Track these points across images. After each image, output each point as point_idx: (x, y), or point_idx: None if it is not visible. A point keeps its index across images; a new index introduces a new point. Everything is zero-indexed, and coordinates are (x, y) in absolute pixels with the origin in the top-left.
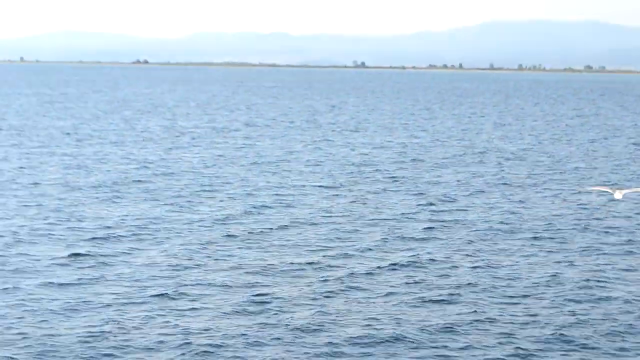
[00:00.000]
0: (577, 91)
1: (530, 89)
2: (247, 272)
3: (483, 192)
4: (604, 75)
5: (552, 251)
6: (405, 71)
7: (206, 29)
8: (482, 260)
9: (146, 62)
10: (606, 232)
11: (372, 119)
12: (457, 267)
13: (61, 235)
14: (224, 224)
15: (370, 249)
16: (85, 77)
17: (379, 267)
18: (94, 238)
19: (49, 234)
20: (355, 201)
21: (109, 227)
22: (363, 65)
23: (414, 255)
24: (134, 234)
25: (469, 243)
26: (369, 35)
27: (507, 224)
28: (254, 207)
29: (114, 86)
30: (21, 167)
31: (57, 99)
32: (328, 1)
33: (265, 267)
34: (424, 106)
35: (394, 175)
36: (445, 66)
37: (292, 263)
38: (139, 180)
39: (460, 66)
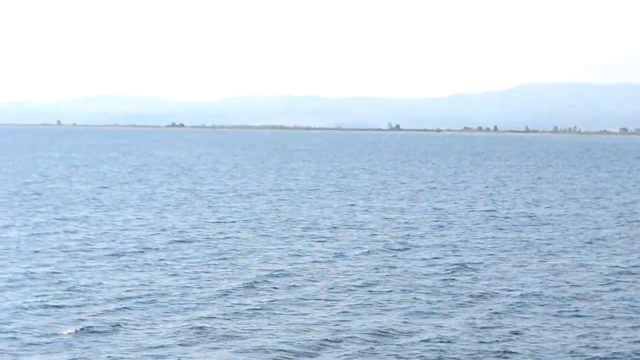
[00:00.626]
0: (612, 153)
1: (567, 151)
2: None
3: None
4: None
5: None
6: (440, 134)
7: (241, 92)
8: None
9: (182, 125)
10: None
11: (398, 182)
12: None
13: (66, 305)
14: (233, 295)
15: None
16: (119, 141)
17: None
18: (103, 310)
19: (54, 305)
20: (377, 267)
21: (117, 298)
22: (397, 127)
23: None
24: (142, 303)
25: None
26: (404, 97)
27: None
28: (265, 277)
29: (144, 150)
30: (29, 234)
31: (85, 163)
32: (362, 64)
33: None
34: (453, 170)
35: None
36: (479, 128)
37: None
38: (148, 248)
39: (495, 129)
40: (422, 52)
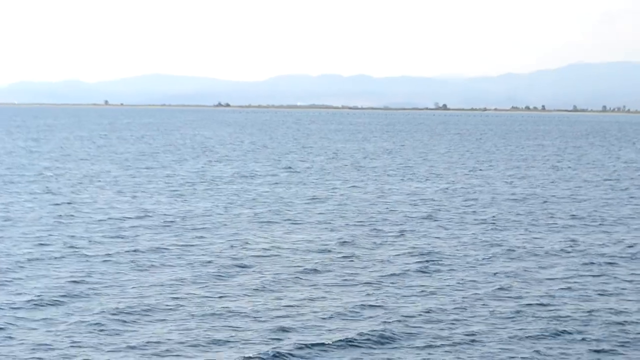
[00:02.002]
0: None
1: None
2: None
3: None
4: None
5: None
6: (486, 113)
7: (289, 71)
8: None
9: (228, 105)
10: None
11: (423, 163)
12: None
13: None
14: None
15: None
16: (161, 120)
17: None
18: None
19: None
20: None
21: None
22: (445, 107)
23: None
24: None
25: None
26: (451, 77)
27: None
28: (236, 263)
29: (177, 129)
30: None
31: (111, 143)
32: (410, 43)
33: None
34: (485, 148)
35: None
36: (527, 108)
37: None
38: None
39: (543, 108)
40: (473, 32)
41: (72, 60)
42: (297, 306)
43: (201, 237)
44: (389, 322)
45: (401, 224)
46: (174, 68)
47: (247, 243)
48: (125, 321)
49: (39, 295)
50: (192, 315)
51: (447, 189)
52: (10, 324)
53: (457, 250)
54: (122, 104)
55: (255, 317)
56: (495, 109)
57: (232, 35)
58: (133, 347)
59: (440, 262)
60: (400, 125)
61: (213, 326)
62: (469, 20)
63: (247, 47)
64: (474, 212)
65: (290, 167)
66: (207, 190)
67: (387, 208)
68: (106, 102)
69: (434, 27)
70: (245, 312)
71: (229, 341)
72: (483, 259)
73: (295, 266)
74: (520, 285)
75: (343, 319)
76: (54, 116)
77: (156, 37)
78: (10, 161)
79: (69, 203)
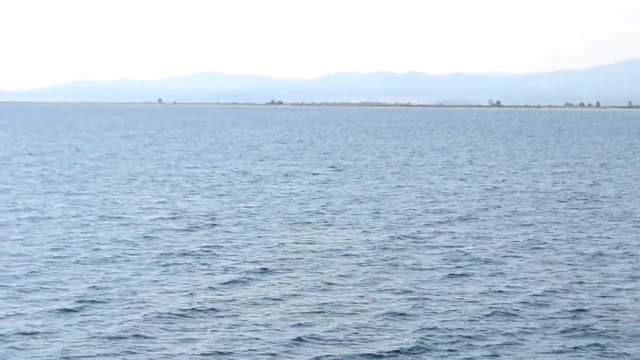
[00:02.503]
0: None
1: None
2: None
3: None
4: None
5: None
6: (540, 110)
7: (341, 69)
8: None
9: (280, 102)
10: None
11: (470, 161)
12: None
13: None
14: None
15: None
16: (211, 118)
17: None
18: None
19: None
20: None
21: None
22: (498, 104)
23: None
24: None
25: None
26: (505, 73)
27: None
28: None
29: (225, 127)
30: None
31: (159, 141)
32: (463, 40)
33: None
34: (529, 147)
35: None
36: (581, 104)
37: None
38: (150, 236)
39: (598, 104)
40: (527, 28)
41: (126, 59)
42: (328, 312)
43: (233, 238)
44: (425, 331)
45: (441, 225)
46: (226, 66)
47: (282, 244)
48: (156, 327)
49: (68, 299)
50: (224, 319)
51: (492, 187)
52: (38, 329)
53: (498, 252)
54: (174, 102)
55: (276, 326)
56: (549, 106)
57: (285, 33)
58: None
59: (479, 266)
60: (452, 123)
61: (245, 331)
62: (522, 17)
63: (299, 45)
64: (516, 211)
65: (334, 166)
66: (246, 190)
67: (428, 208)
68: (159, 100)
69: (488, 24)
70: (272, 318)
71: (250, 348)
72: (527, 261)
73: (329, 269)
74: (568, 290)
75: (376, 328)
76: (106, 115)
77: (210, 35)
78: (53, 160)
79: (102, 203)
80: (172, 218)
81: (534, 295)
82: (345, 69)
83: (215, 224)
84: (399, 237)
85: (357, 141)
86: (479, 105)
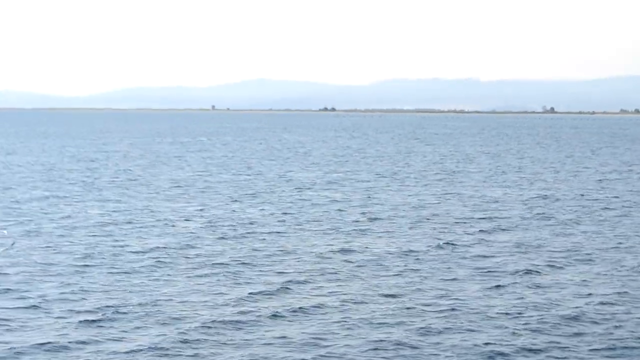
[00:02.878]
0: None
1: None
2: None
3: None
4: None
5: None
6: (594, 116)
7: (394, 75)
8: None
9: (333, 109)
10: None
11: (517, 168)
12: None
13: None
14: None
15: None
16: (262, 125)
17: None
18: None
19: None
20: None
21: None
22: (552, 110)
23: None
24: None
25: None
26: (559, 80)
27: None
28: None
29: (275, 133)
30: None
31: (207, 147)
32: (518, 46)
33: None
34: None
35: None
36: (637, 111)
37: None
38: (188, 245)
39: None
40: (582, 35)
41: (180, 66)
42: (355, 325)
43: (265, 247)
44: (461, 347)
45: (483, 234)
46: (280, 73)
47: (314, 253)
48: (185, 340)
49: (91, 310)
50: (251, 332)
51: (537, 195)
52: (70, 338)
53: (538, 263)
54: (228, 109)
55: (303, 340)
56: (604, 112)
57: (339, 40)
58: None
59: (518, 277)
60: (504, 129)
61: (269, 346)
62: (577, 23)
63: (353, 51)
64: (560, 220)
65: (380, 173)
66: (288, 197)
67: (472, 216)
68: (213, 107)
69: (543, 30)
70: (303, 331)
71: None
72: (567, 273)
73: (362, 280)
74: (612, 303)
75: (410, 344)
76: (159, 121)
77: (262, 42)
78: (99, 166)
79: (140, 211)
80: (208, 226)
81: (572, 308)
82: (398, 75)
83: (249, 233)
84: (438, 246)
85: (407, 148)
86: (533, 112)
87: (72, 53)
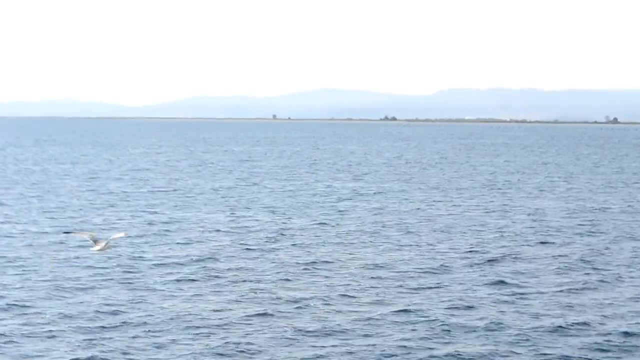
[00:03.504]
0: None
1: None
2: None
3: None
4: None
5: None
6: None
7: (457, 85)
8: None
9: (394, 118)
10: None
11: (564, 179)
12: None
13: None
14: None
15: None
16: (319, 134)
17: None
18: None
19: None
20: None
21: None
22: (615, 120)
23: None
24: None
25: None
26: (623, 89)
27: None
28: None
29: (328, 144)
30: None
31: (252, 157)
32: (580, 56)
33: None
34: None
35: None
36: None
37: None
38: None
39: None
40: None
41: (242, 76)
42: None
43: (287, 261)
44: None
45: (508, 248)
46: (341, 82)
47: (336, 264)
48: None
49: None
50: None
51: (583, 208)
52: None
53: (576, 281)
54: (289, 118)
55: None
56: None
57: (401, 49)
58: None
59: (530, 297)
60: (563, 140)
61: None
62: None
63: (415, 61)
64: (600, 232)
65: (424, 183)
66: (311, 208)
67: (500, 229)
68: (274, 116)
69: (606, 39)
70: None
71: None
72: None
73: (388, 295)
74: None
75: None
76: (219, 130)
77: (323, 52)
78: (144, 175)
79: (165, 222)
80: (234, 237)
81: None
82: (460, 85)
83: (274, 244)
84: (460, 257)
85: (458, 159)
86: (595, 122)
87: (136, 63)
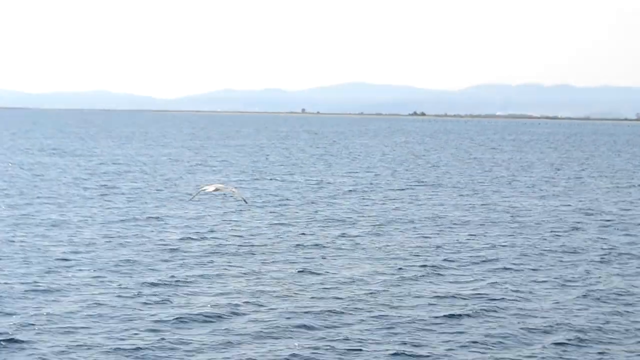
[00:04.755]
0: None
1: None
2: None
3: None
4: None
5: None
6: None
7: (488, 80)
8: None
9: (423, 113)
10: None
11: (571, 177)
12: None
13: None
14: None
15: None
16: (343, 129)
17: None
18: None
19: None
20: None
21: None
22: None
23: None
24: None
25: None
26: None
27: None
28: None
29: (348, 138)
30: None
31: (265, 152)
32: (613, 52)
33: None
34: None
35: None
36: None
37: None
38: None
39: None
40: None
41: (273, 70)
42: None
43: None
44: None
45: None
46: (371, 76)
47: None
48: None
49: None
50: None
51: (575, 208)
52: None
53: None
54: (318, 112)
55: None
56: None
57: (432, 44)
58: None
59: (506, 302)
60: (585, 136)
61: None
62: None
63: (446, 56)
64: (590, 239)
65: (422, 181)
66: (316, 206)
67: (505, 230)
68: (303, 110)
69: (635, 36)
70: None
71: None
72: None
73: (387, 313)
74: None
75: None
76: (248, 124)
77: (354, 46)
78: (148, 169)
79: (156, 218)
80: (232, 236)
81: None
82: (491, 80)
83: (250, 247)
84: (426, 265)
85: (471, 155)
86: (626, 119)
87: (166, 55)
